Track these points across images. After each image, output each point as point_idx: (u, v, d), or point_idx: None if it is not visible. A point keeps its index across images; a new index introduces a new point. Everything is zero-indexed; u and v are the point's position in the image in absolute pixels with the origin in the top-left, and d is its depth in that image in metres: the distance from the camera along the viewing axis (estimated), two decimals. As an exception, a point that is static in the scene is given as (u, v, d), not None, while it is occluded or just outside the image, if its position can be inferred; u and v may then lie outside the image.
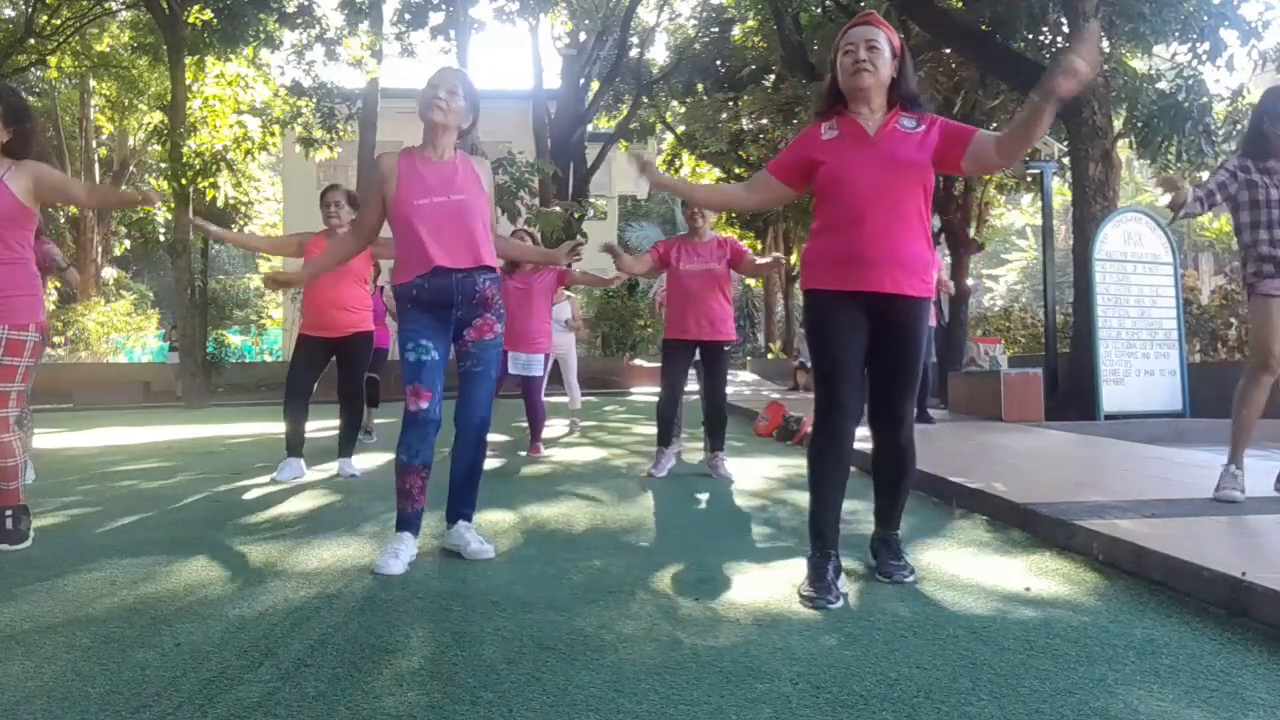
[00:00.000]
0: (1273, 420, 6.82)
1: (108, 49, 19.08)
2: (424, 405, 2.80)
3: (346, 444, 5.01)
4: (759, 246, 24.39)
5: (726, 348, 4.91)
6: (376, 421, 7.28)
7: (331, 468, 5.10)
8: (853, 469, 5.03)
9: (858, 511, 3.75)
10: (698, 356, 4.96)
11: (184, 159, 14.55)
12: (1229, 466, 3.58)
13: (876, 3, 12.45)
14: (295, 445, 4.94)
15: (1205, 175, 8.34)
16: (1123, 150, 10.66)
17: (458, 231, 2.82)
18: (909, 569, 2.70)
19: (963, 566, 2.83)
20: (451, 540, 2.99)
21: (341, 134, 17.51)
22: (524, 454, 6.07)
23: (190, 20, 14.65)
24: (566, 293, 8.01)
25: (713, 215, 5.00)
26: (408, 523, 2.89)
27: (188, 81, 15.13)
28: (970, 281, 13.10)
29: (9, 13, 19.27)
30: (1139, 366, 7.95)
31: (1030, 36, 10.62)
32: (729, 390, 5.46)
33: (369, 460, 5.52)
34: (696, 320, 4.78)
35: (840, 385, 2.58)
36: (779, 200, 2.89)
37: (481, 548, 2.93)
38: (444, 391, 2.91)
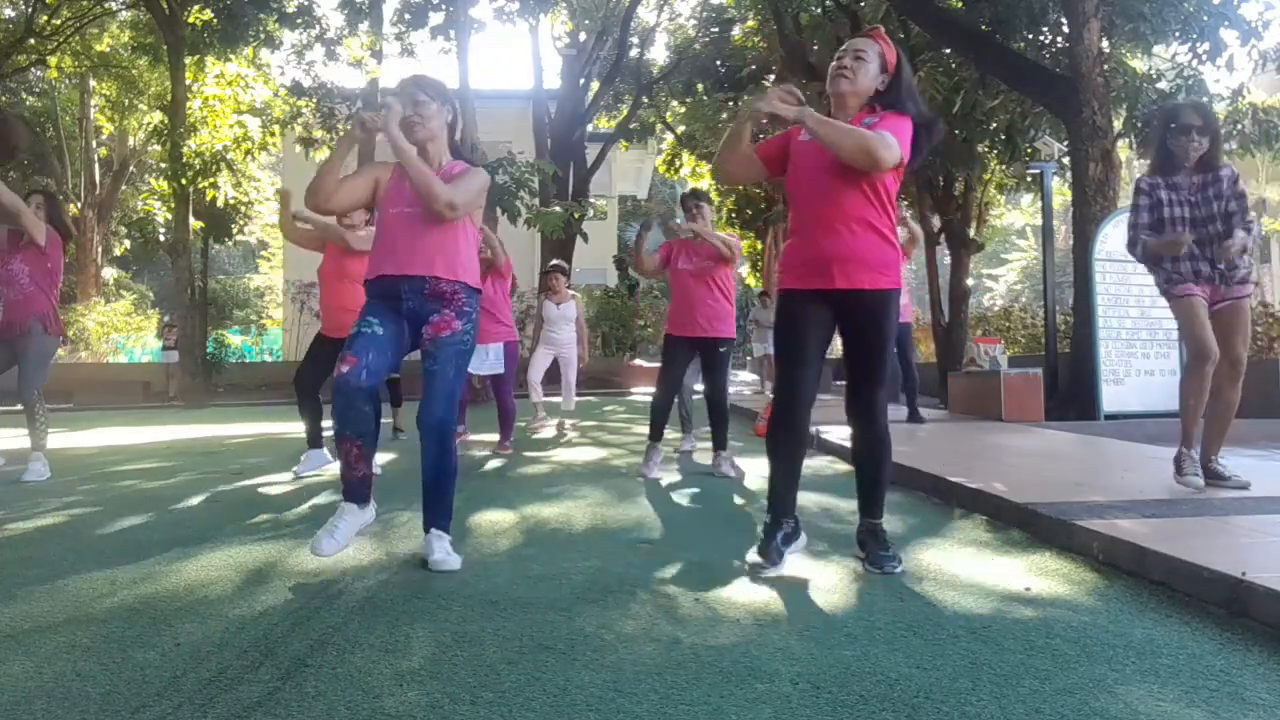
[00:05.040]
0: (1273, 420, 6.83)
1: (108, 49, 19.06)
2: (344, 369, 2.75)
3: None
4: (759, 246, 24.39)
5: (723, 347, 4.95)
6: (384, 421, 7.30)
7: (333, 467, 5.09)
8: (850, 467, 5.04)
9: (858, 511, 3.75)
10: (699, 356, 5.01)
11: (184, 159, 14.55)
12: (1188, 451, 3.78)
13: (877, 2, 12.46)
14: (314, 438, 5.03)
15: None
16: (1123, 150, 10.66)
17: (414, 240, 2.83)
18: (897, 560, 2.76)
19: (963, 566, 2.83)
20: (424, 548, 2.91)
21: (341, 134, 17.46)
22: (507, 452, 6.11)
23: (190, 20, 14.66)
24: (572, 292, 8.02)
25: (712, 215, 5.09)
26: (352, 491, 2.84)
27: (188, 81, 15.13)
28: (970, 281, 13.10)
29: (9, 13, 19.27)
30: (1139, 366, 7.95)
31: (1030, 36, 10.62)
32: (730, 390, 5.49)
33: (376, 459, 5.50)
34: (693, 318, 4.89)
35: (796, 370, 2.76)
36: (750, 176, 3.03)
37: (445, 558, 2.79)
38: (390, 367, 2.87)
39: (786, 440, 2.82)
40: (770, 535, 2.76)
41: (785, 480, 2.83)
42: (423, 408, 2.81)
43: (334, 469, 4.83)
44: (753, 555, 2.71)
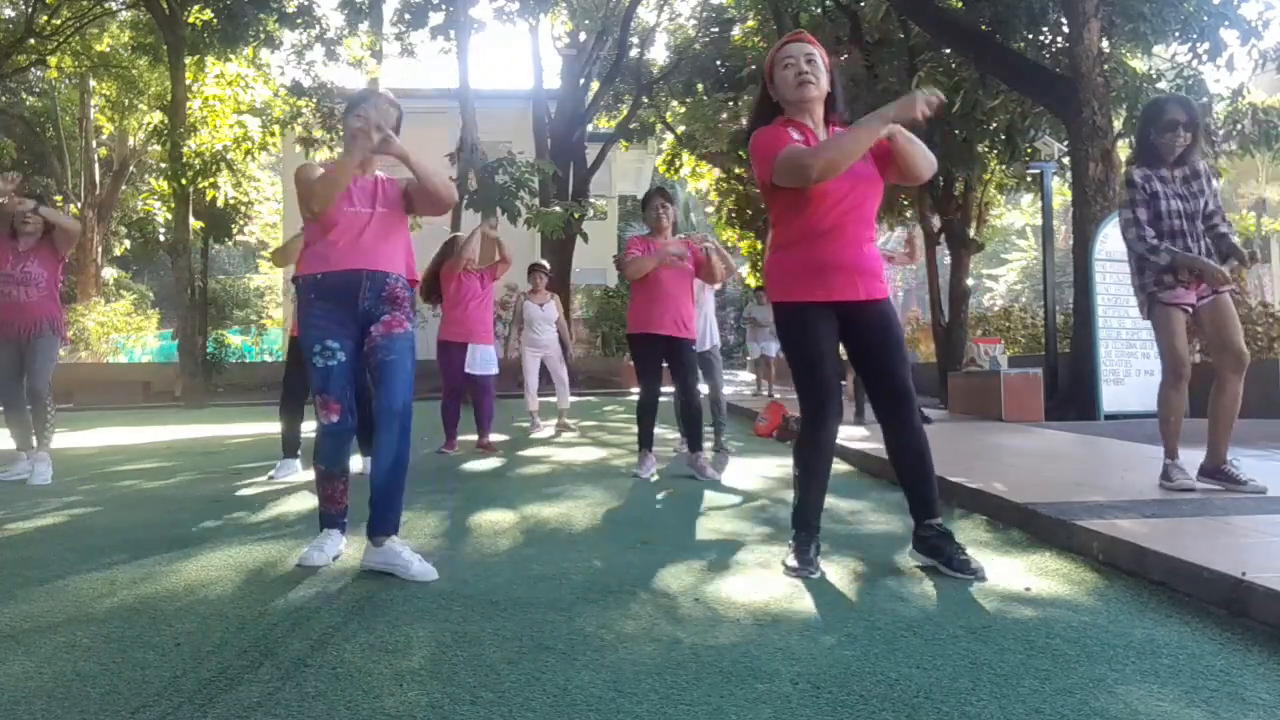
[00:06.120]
0: (1273, 420, 6.83)
1: (108, 49, 19.06)
2: (335, 419, 2.81)
3: (366, 443, 5.04)
4: (759, 247, 24.37)
5: (694, 347, 4.93)
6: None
7: (303, 475, 5.04)
8: (850, 468, 5.04)
9: (858, 511, 3.76)
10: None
11: (184, 159, 14.56)
12: (1173, 461, 3.79)
13: (877, 2, 12.45)
14: (291, 446, 5.04)
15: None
16: (1123, 150, 10.65)
17: (379, 240, 2.87)
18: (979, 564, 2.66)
19: (963, 566, 2.82)
20: (380, 559, 2.72)
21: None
22: (489, 449, 6.16)
23: (190, 20, 14.67)
24: (550, 293, 7.99)
25: (676, 214, 5.10)
26: (332, 521, 2.98)
27: (188, 81, 15.13)
28: (970, 281, 13.10)
29: (9, 13, 19.26)
30: (1139, 366, 7.94)
31: (1030, 36, 10.61)
32: (728, 391, 5.48)
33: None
34: (664, 317, 4.75)
35: (826, 390, 2.77)
36: None
37: (423, 568, 2.68)
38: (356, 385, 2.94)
39: (823, 465, 2.83)
40: (806, 546, 2.75)
41: (820, 494, 2.83)
42: (385, 394, 2.77)
43: (309, 476, 4.81)
44: (791, 561, 2.72)
